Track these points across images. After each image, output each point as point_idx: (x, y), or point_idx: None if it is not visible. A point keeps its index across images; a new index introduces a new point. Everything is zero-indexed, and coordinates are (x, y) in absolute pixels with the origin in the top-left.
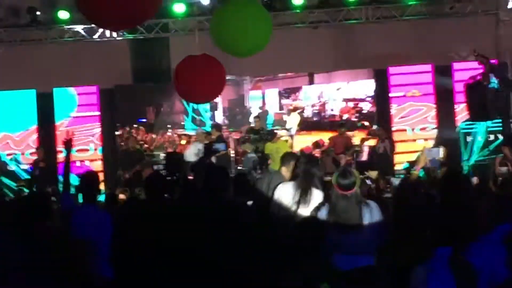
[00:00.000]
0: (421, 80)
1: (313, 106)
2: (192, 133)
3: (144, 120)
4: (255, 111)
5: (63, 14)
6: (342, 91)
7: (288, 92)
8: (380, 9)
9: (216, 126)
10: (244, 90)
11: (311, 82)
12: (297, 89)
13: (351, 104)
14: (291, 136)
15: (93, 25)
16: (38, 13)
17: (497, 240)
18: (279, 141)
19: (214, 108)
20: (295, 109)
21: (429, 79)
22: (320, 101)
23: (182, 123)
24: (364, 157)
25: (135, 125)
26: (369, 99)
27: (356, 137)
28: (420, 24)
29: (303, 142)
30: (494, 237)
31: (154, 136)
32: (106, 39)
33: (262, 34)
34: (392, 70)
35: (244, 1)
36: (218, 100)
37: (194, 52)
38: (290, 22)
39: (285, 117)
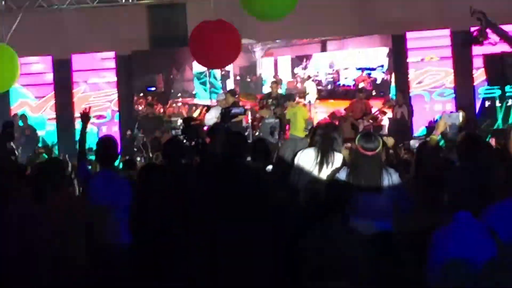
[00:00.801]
0: (439, 45)
1: (327, 74)
2: (203, 102)
3: (153, 88)
4: (267, 78)
5: None
6: (354, 59)
7: (300, 59)
8: None
9: (231, 92)
10: (256, 57)
11: (323, 49)
12: (308, 57)
13: (366, 73)
14: (310, 104)
15: None
16: None
17: None
18: (297, 106)
19: (225, 76)
20: (308, 77)
21: (447, 44)
22: (333, 70)
23: (193, 92)
24: (383, 122)
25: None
26: (381, 68)
27: (374, 107)
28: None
29: (320, 112)
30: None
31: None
32: (123, 5)
33: None
34: (409, 35)
35: None
36: (230, 68)
37: (210, 18)
38: None
39: (299, 85)
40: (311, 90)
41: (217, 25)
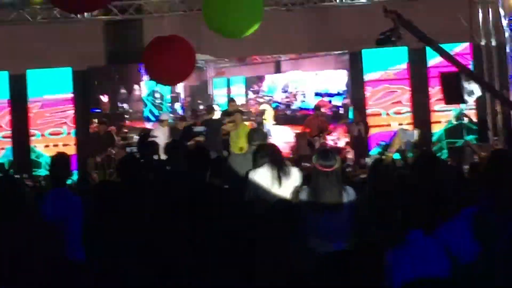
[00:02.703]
0: (396, 63)
1: (283, 98)
2: (151, 125)
3: (98, 110)
4: (219, 99)
5: None
6: (311, 82)
7: (253, 81)
8: None
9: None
10: (207, 76)
11: (277, 69)
12: (261, 78)
13: (326, 99)
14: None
15: None
16: None
17: (464, 221)
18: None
19: (175, 98)
20: (264, 100)
21: (404, 62)
22: (290, 93)
23: (140, 114)
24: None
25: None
26: (340, 96)
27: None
28: (394, 6)
29: (281, 134)
30: (461, 218)
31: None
32: (79, 20)
33: (257, 13)
34: (366, 53)
35: None
36: (180, 90)
37: (167, 34)
38: (264, 3)
39: (257, 108)
40: (268, 114)
41: (170, 39)
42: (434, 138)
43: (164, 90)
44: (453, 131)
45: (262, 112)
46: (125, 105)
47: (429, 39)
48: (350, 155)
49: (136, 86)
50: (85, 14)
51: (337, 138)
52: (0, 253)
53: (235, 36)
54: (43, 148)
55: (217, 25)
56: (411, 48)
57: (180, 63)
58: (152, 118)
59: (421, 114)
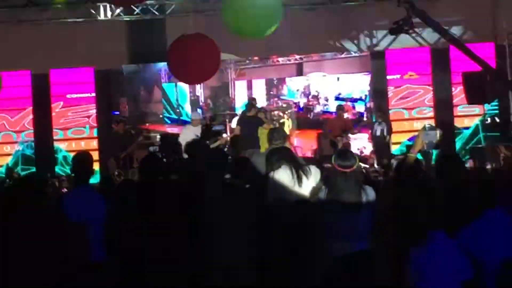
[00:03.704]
0: (418, 63)
1: (306, 102)
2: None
3: (117, 112)
4: (240, 101)
5: None
6: (333, 86)
7: (274, 84)
8: None
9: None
10: (229, 77)
11: (299, 71)
12: (282, 81)
13: (349, 103)
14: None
15: (89, 6)
16: None
17: (488, 224)
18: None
19: (195, 102)
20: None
21: (427, 62)
22: (313, 96)
23: (160, 115)
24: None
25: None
26: (363, 101)
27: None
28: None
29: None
30: (484, 221)
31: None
32: (102, 20)
33: (275, 14)
34: (389, 52)
35: None
36: (199, 93)
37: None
38: (286, 3)
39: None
40: (288, 125)
41: (194, 38)
42: (466, 134)
43: (183, 93)
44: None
45: (282, 122)
46: (145, 107)
47: (443, 29)
48: (372, 154)
49: (156, 88)
50: (108, 14)
51: (363, 147)
52: (23, 252)
53: (255, 36)
54: (66, 147)
55: (235, 26)
56: (434, 48)
57: (205, 61)
58: (168, 122)
59: (444, 114)
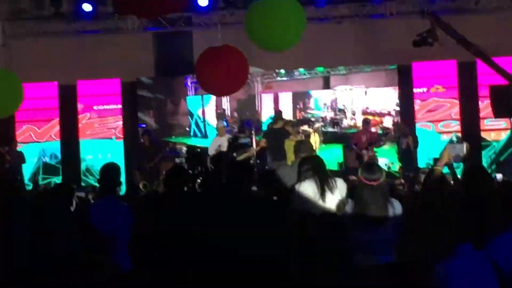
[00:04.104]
0: (445, 76)
1: (332, 116)
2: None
3: (143, 125)
4: (266, 114)
5: (87, 7)
6: (361, 100)
7: (300, 98)
8: (404, 4)
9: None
10: (255, 90)
11: (326, 84)
12: (308, 95)
13: (376, 118)
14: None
15: (116, 18)
16: (61, 5)
17: None
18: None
19: (222, 114)
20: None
21: (453, 75)
22: (339, 112)
23: (186, 127)
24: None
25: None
26: (390, 117)
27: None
28: (445, 19)
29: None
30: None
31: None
32: (129, 32)
33: (298, 27)
34: (416, 65)
35: None
36: (226, 106)
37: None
38: (313, 17)
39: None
40: (317, 134)
41: (224, 49)
42: (497, 147)
43: (209, 106)
44: None
45: (308, 136)
46: (171, 119)
47: (468, 42)
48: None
49: (182, 100)
50: (135, 26)
51: (391, 163)
52: (51, 260)
53: (278, 49)
54: (92, 158)
55: (259, 39)
56: (460, 61)
57: (234, 73)
58: (198, 134)
59: (471, 128)
